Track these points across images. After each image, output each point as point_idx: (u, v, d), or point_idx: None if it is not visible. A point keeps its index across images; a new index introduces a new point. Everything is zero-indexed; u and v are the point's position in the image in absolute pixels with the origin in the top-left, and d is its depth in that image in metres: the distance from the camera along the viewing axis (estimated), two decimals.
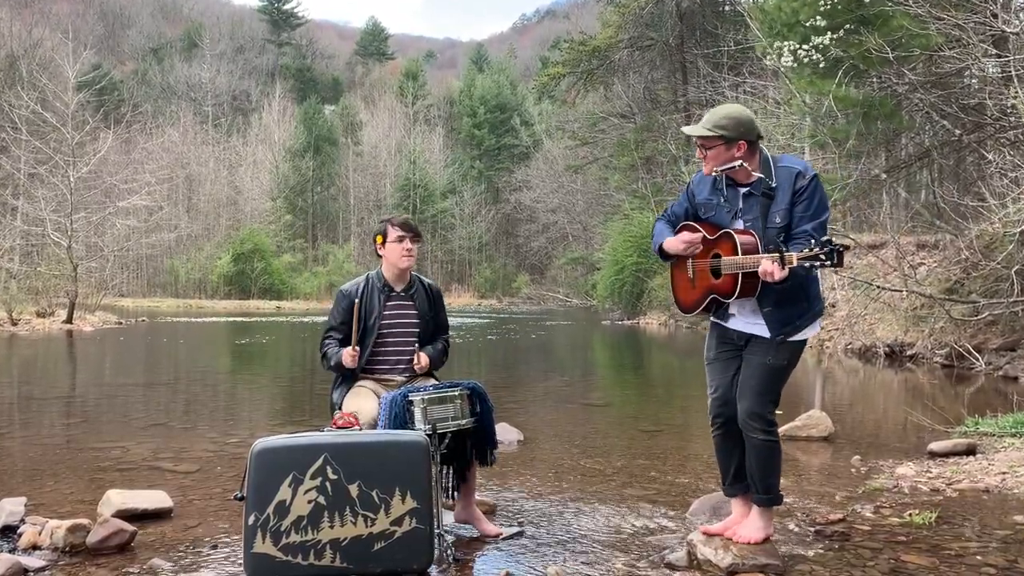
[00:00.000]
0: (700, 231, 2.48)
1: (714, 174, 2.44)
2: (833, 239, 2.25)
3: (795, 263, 2.25)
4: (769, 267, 2.24)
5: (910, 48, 8.26)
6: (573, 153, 33.03)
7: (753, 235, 2.38)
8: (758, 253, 2.32)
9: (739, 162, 2.39)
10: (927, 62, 8.96)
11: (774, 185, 2.37)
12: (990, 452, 3.93)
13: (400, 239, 2.85)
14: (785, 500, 3.07)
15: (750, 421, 2.42)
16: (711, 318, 2.57)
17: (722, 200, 2.44)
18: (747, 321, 2.46)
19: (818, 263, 2.22)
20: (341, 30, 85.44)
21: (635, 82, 27.10)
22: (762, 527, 2.45)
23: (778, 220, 2.35)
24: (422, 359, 2.85)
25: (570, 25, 40.21)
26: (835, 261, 2.22)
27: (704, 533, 2.50)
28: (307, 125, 45.65)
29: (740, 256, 2.34)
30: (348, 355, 2.75)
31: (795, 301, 2.39)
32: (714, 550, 2.36)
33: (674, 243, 2.53)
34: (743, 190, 2.42)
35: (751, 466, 2.47)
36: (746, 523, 2.49)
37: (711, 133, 2.38)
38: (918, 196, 12.28)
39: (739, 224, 2.41)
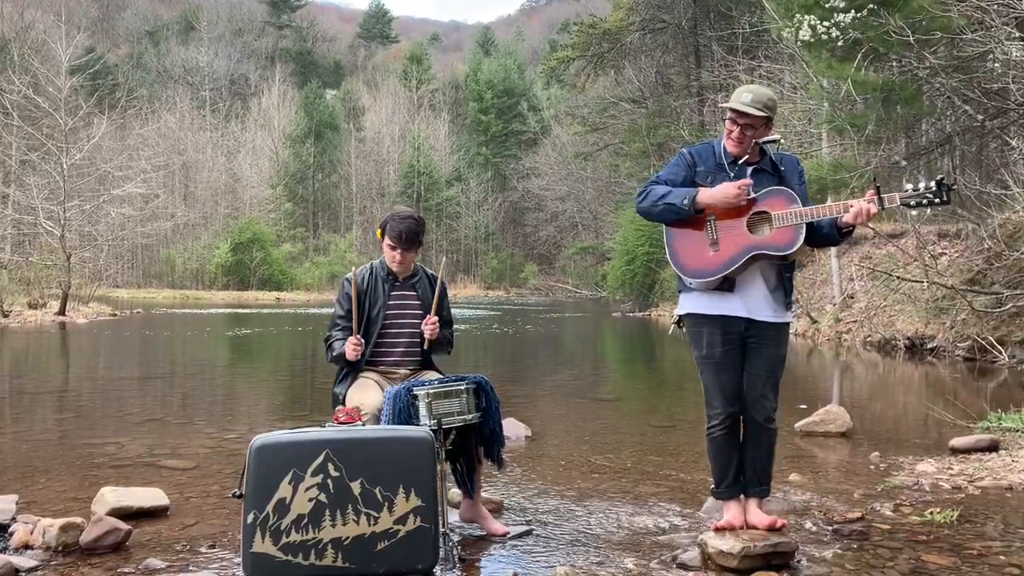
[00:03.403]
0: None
1: (747, 150, 2.41)
2: (943, 176, 2.29)
3: (897, 202, 2.28)
4: (865, 206, 2.25)
5: (931, 31, 8.01)
6: (582, 139, 32.71)
7: (797, 195, 2.39)
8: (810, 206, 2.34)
9: (778, 136, 2.42)
10: (949, 45, 8.70)
11: (783, 169, 2.46)
12: (1013, 448, 3.85)
13: (391, 248, 2.81)
14: (802, 498, 3.05)
15: (772, 415, 2.45)
16: (695, 309, 2.42)
17: (732, 176, 2.42)
18: (751, 301, 2.39)
19: (925, 202, 2.24)
20: (343, 12, 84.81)
21: (647, 66, 26.71)
22: (766, 515, 2.48)
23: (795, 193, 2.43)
24: (435, 319, 2.78)
25: (580, 7, 39.57)
26: (944, 198, 2.22)
27: (715, 529, 2.46)
28: (308, 110, 45.29)
29: (804, 207, 2.33)
30: (351, 346, 2.68)
31: (792, 273, 2.50)
32: (724, 540, 2.34)
33: (723, 189, 2.32)
34: (751, 167, 2.44)
35: (761, 458, 2.48)
36: (761, 516, 2.47)
37: (763, 114, 2.38)
38: None
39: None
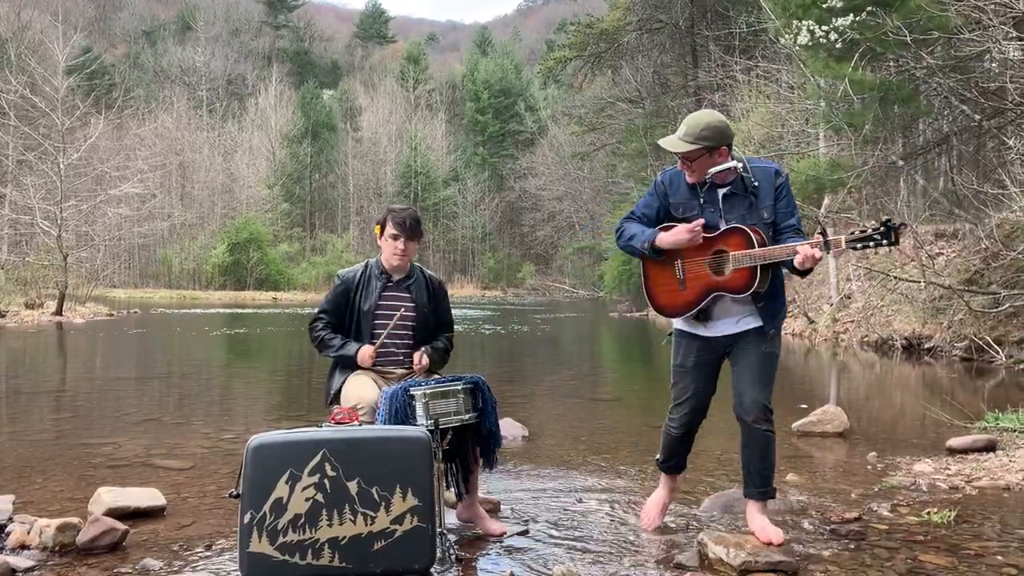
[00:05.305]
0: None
1: (708, 176, 2.42)
2: (890, 218, 2.28)
3: (843, 246, 2.30)
4: (809, 251, 2.26)
5: (929, 30, 8.03)
6: (580, 139, 32.71)
7: (759, 231, 2.39)
8: (768, 246, 2.36)
9: (736, 163, 2.40)
10: (946, 45, 8.71)
11: (756, 184, 2.42)
12: (1011, 448, 3.85)
13: (394, 237, 2.79)
14: (799, 498, 3.05)
15: (762, 415, 2.44)
16: (680, 326, 2.54)
17: (702, 200, 2.44)
18: (731, 321, 2.47)
19: (872, 243, 2.27)
20: (340, 12, 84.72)
21: (644, 66, 26.70)
22: (769, 524, 2.46)
23: (766, 216, 2.43)
24: (423, 360, 2.77)
25: (577, 7, 39.55)
26: (892, 239, 2.24)
27: (641, 521, 2.62)
28: (305, 110, 45.15)
29: (757, 249, 2.35)
30: (367, 354, 2.68)
31: (780, 292, 2.49)
32: (726, 549, 2.32)
33: (677, 234, 2.38)
34: (723, 190, 2.45)
35: (755, 461, 2.47)
36: (762, 524, 2.45)
37: (696, 146, 2.38)
38: (936, 183, 12.06)
39: (723, 224, 2.43)
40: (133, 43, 56.29)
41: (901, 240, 2.25)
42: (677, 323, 2.56)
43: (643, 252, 2.46)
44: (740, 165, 2.39)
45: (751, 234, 2.35)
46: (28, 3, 36.93)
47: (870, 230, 2.27)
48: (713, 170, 2.38)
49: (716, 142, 2.37)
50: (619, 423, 5.15)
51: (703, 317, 2.46)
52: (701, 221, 2.38)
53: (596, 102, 29.28)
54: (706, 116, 2.42)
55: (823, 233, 2.29)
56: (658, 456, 2.72)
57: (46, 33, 28.91)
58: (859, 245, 2.29)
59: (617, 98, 27.56)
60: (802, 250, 2.26)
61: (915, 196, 11.94)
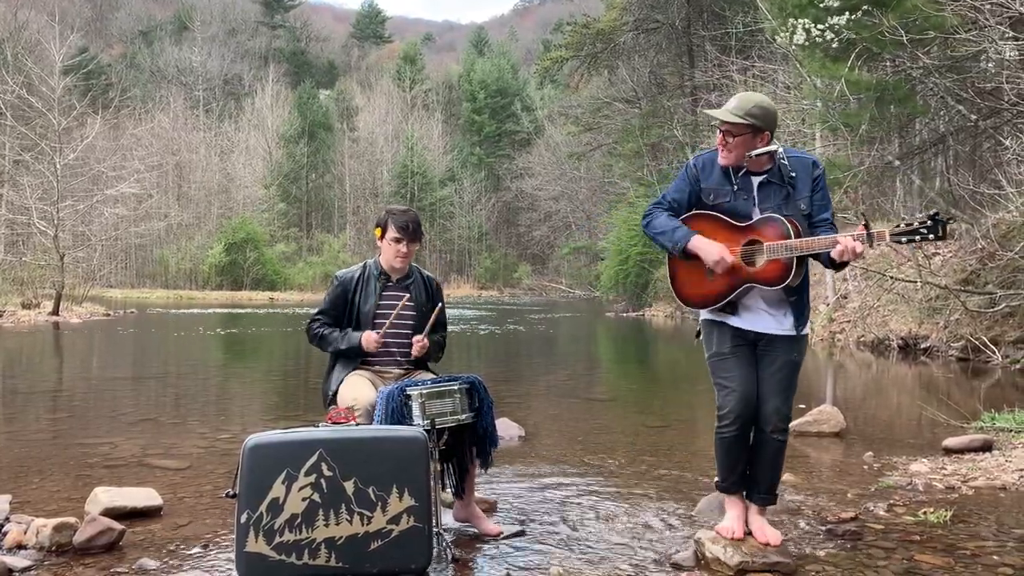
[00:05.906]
0: (723, 227, 2.35)
1: (744, 161, 2.35)
2: (937, 211, 2.19)
3: (887, 239, 2.20)
4: (851, 244, 2.17)
5: (925, 30, 8.06)
6: (576, 139, 32.70)
7: (796, 222, 2.31)
8: (805, 238, 2.27)
9: (777, 147, 2.33)
10: (942, 45, 8.75)
11: (793, 175, 2.35)
12: (1007, 448, 3.86)
13: (397, 240, 2.79)
14: (795, 498, 3.04)
15: (780, 423, 2.41)
16: (708, 316, 2.46)
17: (735, 187, 2.37)
18: (761, 318, 2.38)
19: (918, 237, 2.15)
20: (336, 12, 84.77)
21: (640, 66, 26.72)
22: (768, 525, 2.45)
23: (803, 208, 2.34)
24: (424, 341, 2.79)
25: (573, 7, 39.56)
26: (940, 234, 2.13)
27: (721, 535, 2.42)
28: (301, 110, 45.10)
29: (795, 240, 2.26)
30: (372, 338, 2.69)
31: (806, 290, 2.40)
32: (723, 548, 2.31)
33: (708, 252, 2.30)
34: (758, 179, 2.37)
35: (764, 467, 2.44)
36: (761, 525, 2.45)
37: (743, 121, 2.30)
38: (932, 183, 12.10)
39: (756, 213, 2.35)
40: (130, 43, 56.17)
41: (948, 234, 2.18)
42: (704, 314, 2.47)
43: (673, 252, 2.38)
44: (780, 150, 2.33)
45: (788, 224, 2.26)
46: (25, 3, 36.79)
47: (916, 223, 2.16)
48: (753, 153, 2.30)
49: (762, 124, 2.29)
50: (615, 423, 5.15)
51: (731, 309, 2.37)
52: (732, 261, 2.30)
53: (592, 102, 29.30)
54: (759, 97, 2.37)
55: (866, 225, 2.18)
56: (716, 479, 2.52)
57: (43, 33, 28.87)
58: (904, 239, 2.18)
59: (613, 98, 27.56)
60: (843, 241, 2.17)
61: (911, 196, 11.98)
